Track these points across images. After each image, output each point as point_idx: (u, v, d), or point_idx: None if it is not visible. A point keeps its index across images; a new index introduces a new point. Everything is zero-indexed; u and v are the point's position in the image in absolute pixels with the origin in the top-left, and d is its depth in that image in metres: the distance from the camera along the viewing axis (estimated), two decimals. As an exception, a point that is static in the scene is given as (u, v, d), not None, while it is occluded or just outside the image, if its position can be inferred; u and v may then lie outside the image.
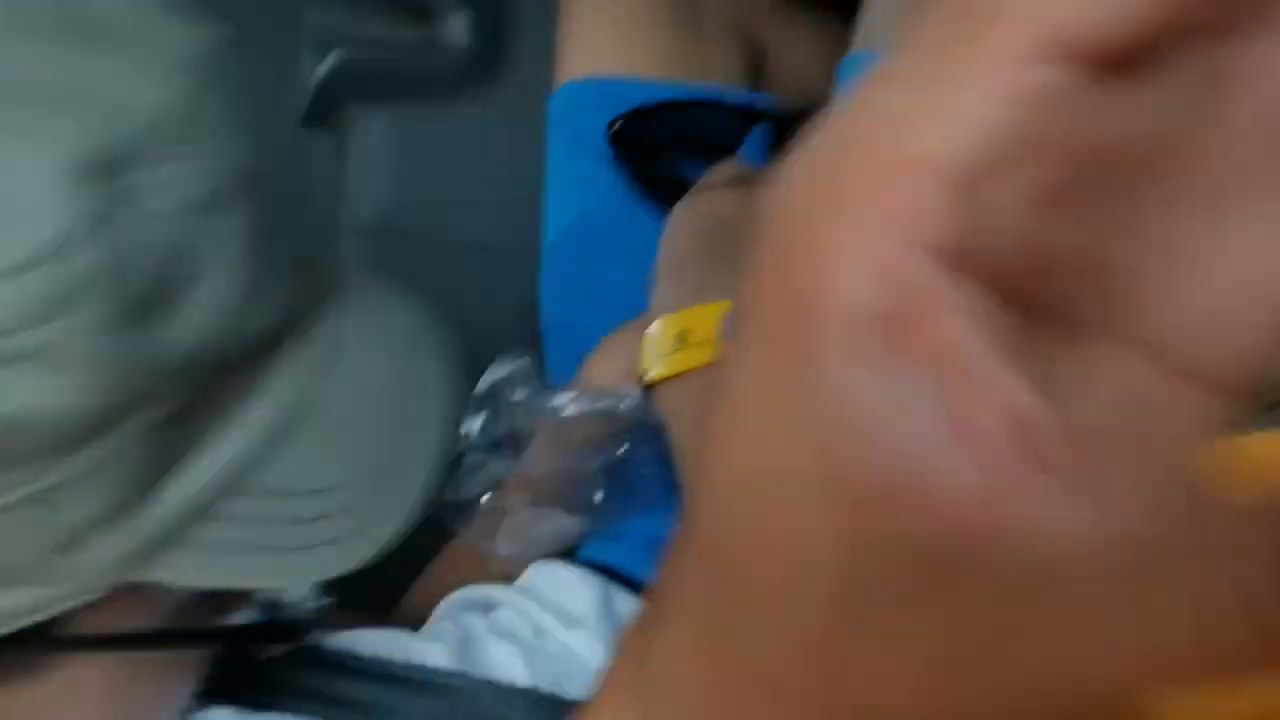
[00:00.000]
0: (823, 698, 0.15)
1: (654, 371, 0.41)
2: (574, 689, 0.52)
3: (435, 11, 0.93)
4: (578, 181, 0.85)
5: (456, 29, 0.93)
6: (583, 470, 0.61)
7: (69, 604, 0.36)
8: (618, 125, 0.79)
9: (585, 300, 0.82)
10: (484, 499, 0.62)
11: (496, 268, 0.97)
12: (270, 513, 0.38)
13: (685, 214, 0.44)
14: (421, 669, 0.50)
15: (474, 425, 0.63)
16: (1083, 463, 0.12)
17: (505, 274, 0.96)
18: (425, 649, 0.52)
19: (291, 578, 0.41)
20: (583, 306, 0.82)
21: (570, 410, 0.58)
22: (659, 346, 0.41)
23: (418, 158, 0.95)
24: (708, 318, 0.39)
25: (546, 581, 0.61)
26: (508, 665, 0.53)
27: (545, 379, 0.67)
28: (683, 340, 0.40)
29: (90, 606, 0.37)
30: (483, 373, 0.67)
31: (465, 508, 0.62)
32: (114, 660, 0.41)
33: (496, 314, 0.96)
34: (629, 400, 0.57)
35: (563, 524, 0.63)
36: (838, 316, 0.13)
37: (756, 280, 0.15)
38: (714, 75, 0.85)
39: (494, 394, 0.65)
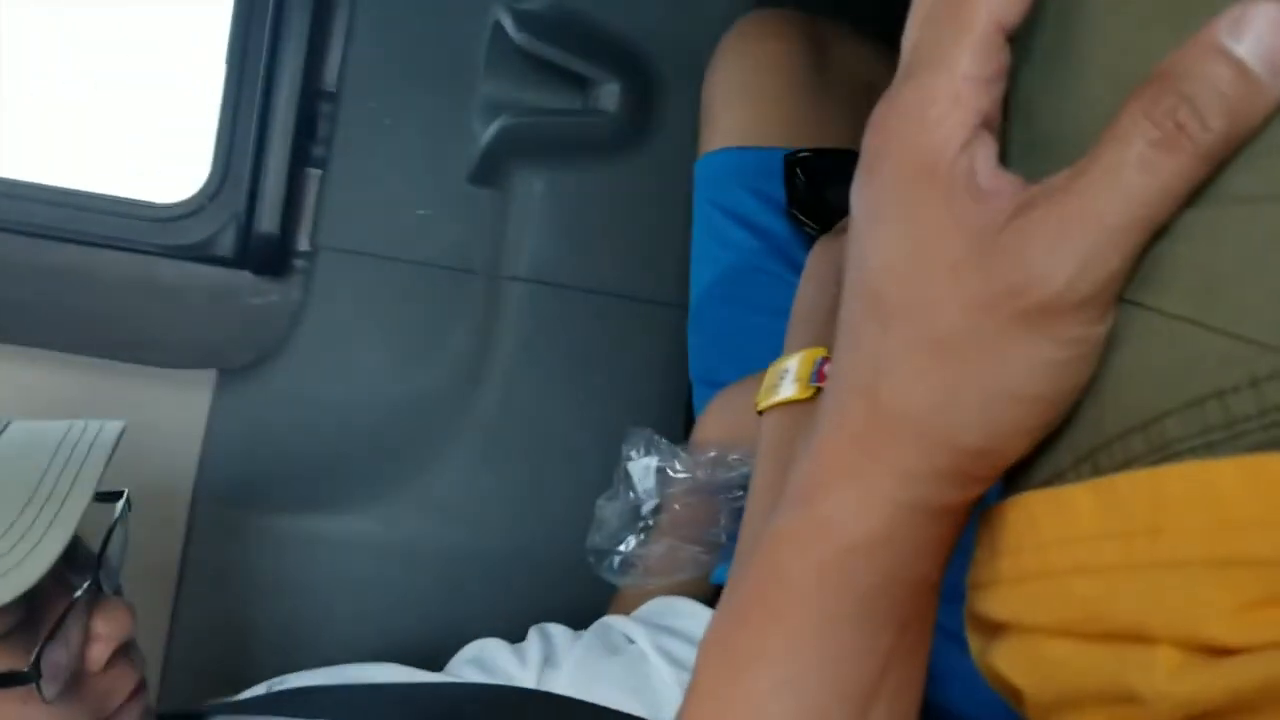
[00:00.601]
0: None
1: (761, 404, 0.46)
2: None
3: (590, 83, 1.01)
4: (721, 242, 0.90)
5: (608, 98, 1.00)
6: (710, 514, 0.68)
7: None
8: (801, 154, 0.81)
9: (729, 356, 0.87)
10: (626, 547, 0.70)
11: (644, 320, 1.03)
12: None
13: (818, 258, 0.48)
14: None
15: (615, 491, 0.71)
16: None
17: (652, 326, 1.02)
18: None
19: None
20: (727, 363, 0.86)
21: (684, 476, 0.66)
22: (767, 380, 0.46)
23: (571, 215, 1.02)
24: (809, 360, 0.44)
25: (661, 606, 0.71)
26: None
27: (669, 444, 0.73)
28: (785, 376, 0.44)
29: None
30: (627, 431, 0.74)
31: (612, 556, 0.71)
32: None
33: (642, 364, 1.03)
34: (735, 458, 0.65)
35: (696, 559, 0.70)
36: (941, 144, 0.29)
37: (882, 126, 0.30)
38: (844, 138, 0.89)
39: (629, 460, 0.72)
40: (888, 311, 0.30)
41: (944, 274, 0.29)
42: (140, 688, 0.62)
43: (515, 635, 0.80)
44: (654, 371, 1.03)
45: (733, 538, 0.69)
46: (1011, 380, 0.29)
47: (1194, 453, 0.27)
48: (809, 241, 0.76)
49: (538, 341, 1.02)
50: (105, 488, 0.65)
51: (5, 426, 0.61)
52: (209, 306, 1.05)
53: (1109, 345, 0.29)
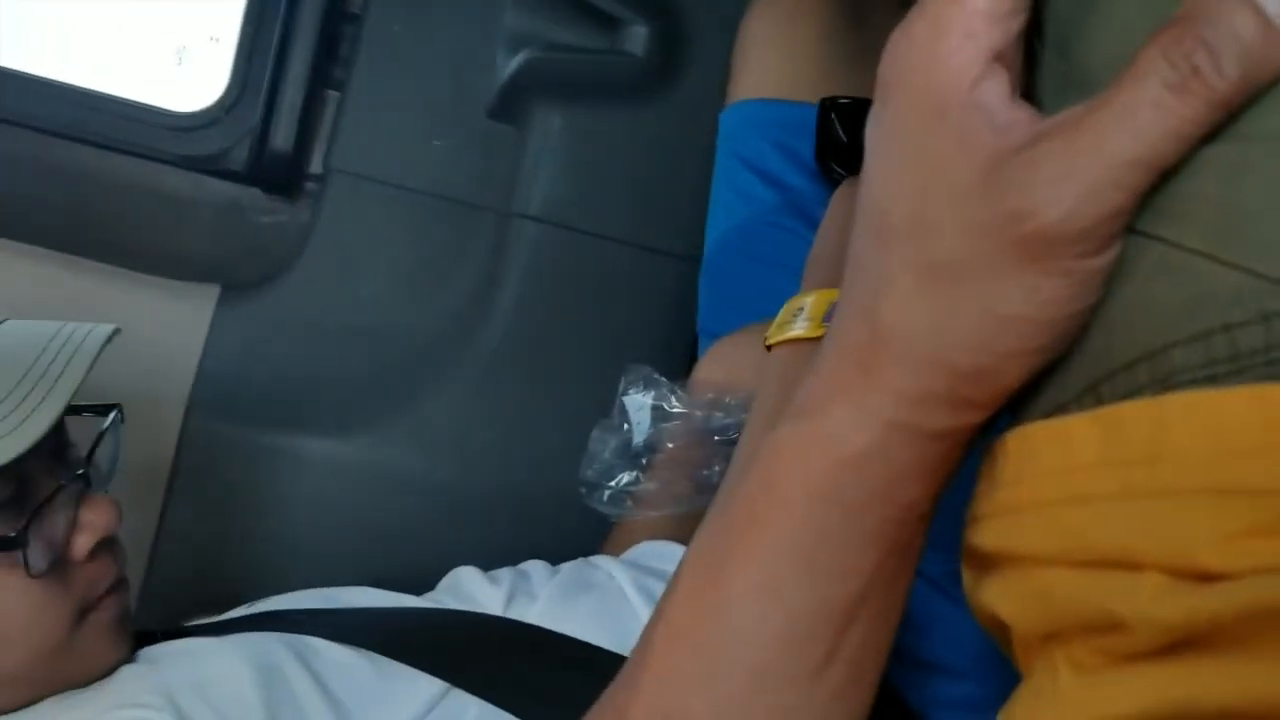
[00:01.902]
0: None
1: (770, 338, 0.46)
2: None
3: (618, 23, 0.99)
4: (740, 195, 0.89)
5: (636, 41, 0.99)
6: (704, 455, 0.68)
7: None
8: (840, 100, 0.80)
9: (738, 310, 0.86)
10: (619, 481, 0.70)
11: (654, 271, 1.02)
12: None
13: (841, 200, 0.48)
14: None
15: (610, 424, 0.71)
16: None
17: (661, 276, 1.02)
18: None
19: None
20: (736, 317, 0.85)
21: (679, 413, 0.66)
22: (781, 317, 0.46)
23: (589, 157, 1.01)
24: (825, 300, 0.43)
25: (649, 550, 0.73)
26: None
27: (667, 382, 0.73)
28: (799, 315, 0.44)
29: None
30: (626, 367, 0.74)
31: (602, 489, 0.70)
32: None
33: (649, 315, 1.02)
34: (732, 401, 0.65)
35: (687, 496, 0.70)
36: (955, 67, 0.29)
37: (895, 58, 0.31)
38: (877, 99, 0.88)
39: (625, 395, 0.72)
40: (891, 234, 0.31)
41: (948, 198, 0.29)
42: (121, 584, 0.63)
43: (500, 567, 0.80)
44: (660, 323, 1.02)
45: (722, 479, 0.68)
46: (1006, 305, 0.29)
47: (1196, 384, 0.26)
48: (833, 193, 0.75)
49: (544, 284, 1.01)
50: (101, 400, 0.67)
51: (1, 321, 0.62)
52: (217, 221, 1.04)
53: (1118, 276, 0.29)
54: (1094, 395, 0.29)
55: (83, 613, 0.60)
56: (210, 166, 1.01)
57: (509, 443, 0.99)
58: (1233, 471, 0.25)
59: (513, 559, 0.82)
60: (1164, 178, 0.28)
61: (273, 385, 0.98)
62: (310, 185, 1.06)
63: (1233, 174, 0.27)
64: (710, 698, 0.33)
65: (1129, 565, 0.26)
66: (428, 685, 0.62)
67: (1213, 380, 0.26)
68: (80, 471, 0.61)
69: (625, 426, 0.69)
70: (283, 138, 1.01)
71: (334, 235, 1.02)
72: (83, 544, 0.60)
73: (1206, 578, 0.24)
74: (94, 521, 0.60)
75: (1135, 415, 0.27)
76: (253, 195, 1.05)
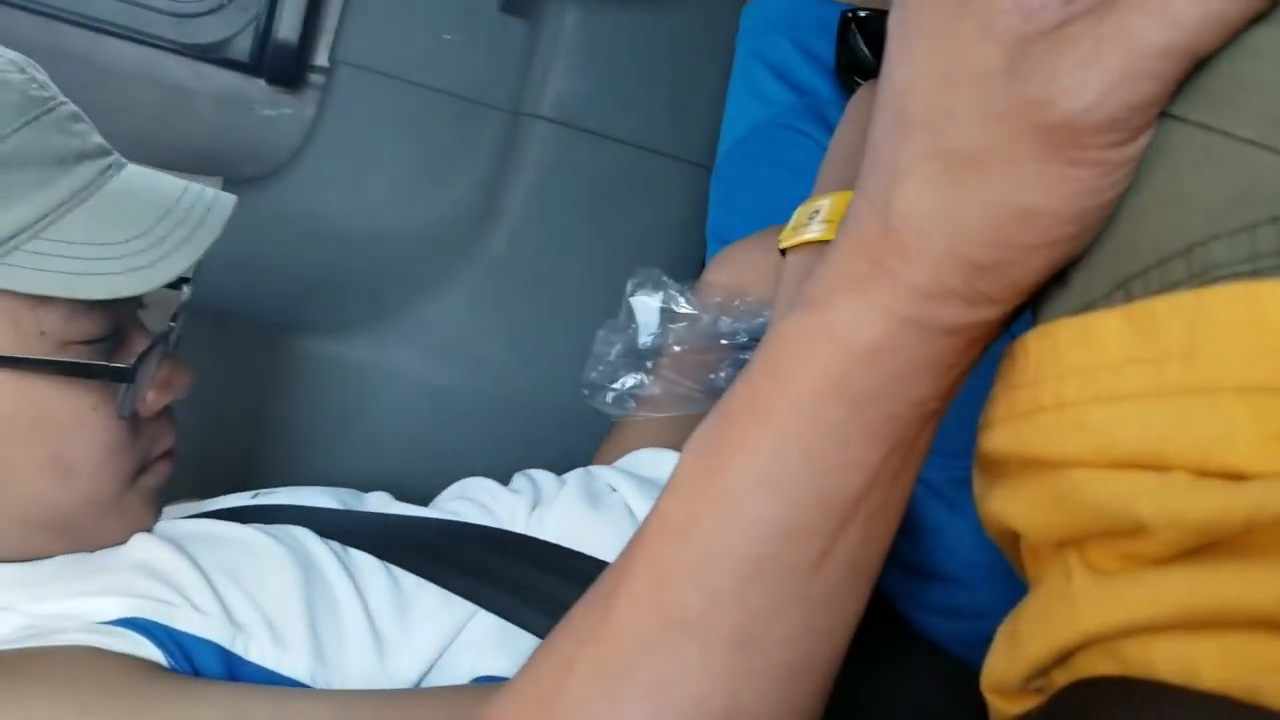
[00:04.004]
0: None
1: (784, 241, 0.44)
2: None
3: (640, -86, 0.96)
4: (757, 96, 0.87)
5: (656, -68, 0.95)
6: (710, 359, 0.67)
7: None
8: (860, 13, 0.78)
9: (748, 215, 0.85)
10: (623, 383, 0.69)
11: (666, 175, 1.00)
12: (72, 251, 0.54)
13: (860, 101, 0.46)
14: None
15: (616, 325, 0.70)
16: None
17: (674, 182, 0.99)
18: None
19: (94, 293, 0.54)
20: (745, 221, 0.84)
21: (687, 313, 0.65)
22: (795, 219, 0.44)
23: (602, 56, 0.98)
24: (842, 202, 0.42)
25: (646, 458, 0.72)
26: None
27: (676, 284, 0.72)
28: (815, 217, 0.43)
29: None
30: (634, 269, 0.73)
31: (608, 391, 0.69)
32: (10, 380, 0.55)
33: (659, 220, 1.00)
34: (740, 304, 0.64)
35: (692, 397, 0.69)
36: None
37: None
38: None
39: (633, 296, 0.70)
40: (910, 124, 0.30)
41: (970, 85, 0.28)
42: (173, 450, 0.64)
43: (500, 477, 0.79)
44: (670, 229, 1.00)
45: (730, 384, 0.67)
46: (1024, 195, 0.28)
47: (1238, 278, 0.25)
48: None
49: (553, 185, 0.99)
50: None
51: (124, 165, 0.62)
52: (219, 112, 1.02)
53: (1153, 166, 0.27)
54: (1124, 291, 0.27)
55: (138, 472, 0.61)
56: (212, 55, 0.98)
57: (513, 347, 0.98)
58: (1274, 368, 0.23)
59: (515, 463, 0.82)
60: (1208, 61, 0.26)
61: (272, 281, 0.97)
62: (315, 78, 1.03)
63: None
64: (703, 589, 0.32)
65: (1155, 466, 0.25)
66: (457, 607, 0.61)
67: (1256, 274, 0.24)
68: (170, 329, 0.63)
69: (631, 328, 0.68)
70: (287, 27, 0.98)
71: (338, 130, 1.00)
72: (156, 400, 0.61)
73: (1239, 479, 0.23)
74: (172, 381, 0.62)
75: (1170, 310, 0.25)
76: (256, 87, 1.02)
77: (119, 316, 0.59)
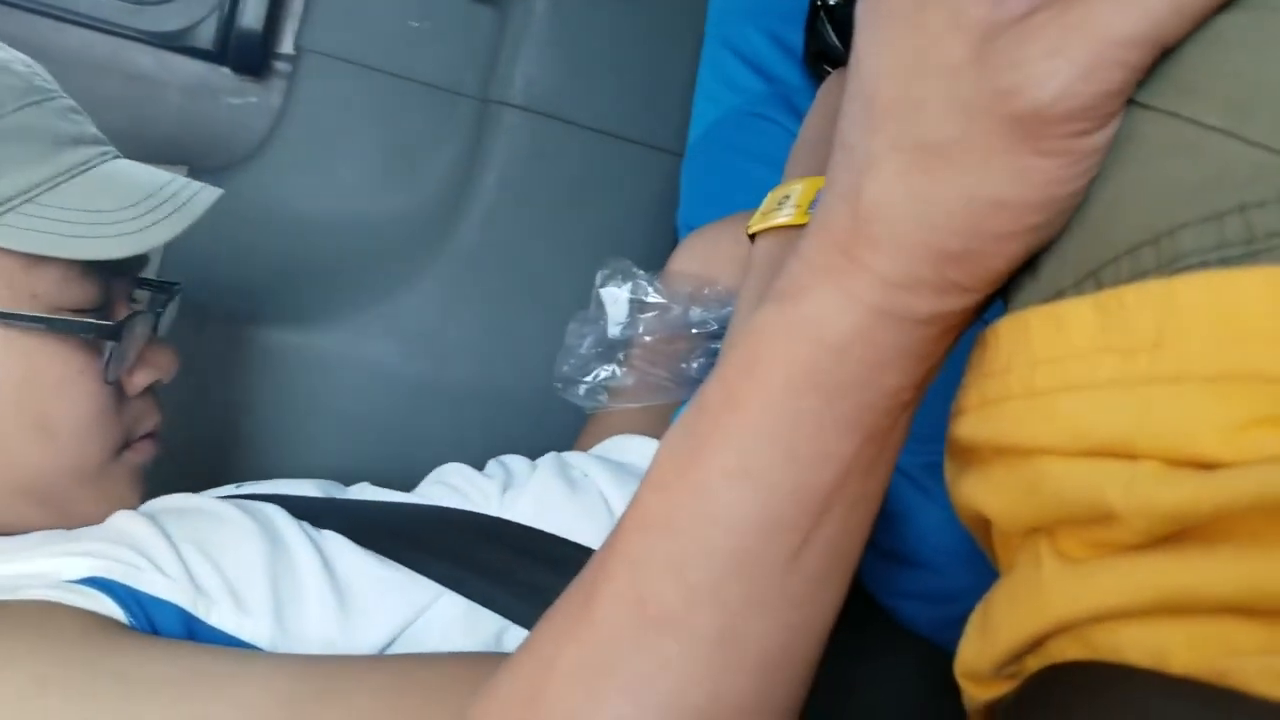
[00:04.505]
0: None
1: (754, 226, 0.44)
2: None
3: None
4: (726, 84, 0.86)
5: (625, -81, 0.95)
6: (681, 348, 0.67)
7: None
8: (829, 1, 0.76)
9: (718, 203, 0.84)
10: (596, 376, 0.69)
11: (637, 163, 0.99)
12: (64, 216, 0.56)
13: (830, 89, 0.46)
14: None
15: (587, 317, 0.70)
16: None
17: (645, 170, 0.99)
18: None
19: (85, 254, 0.56)
20: (715, 210, 0.83)
21: (656, 302, 0.65)
22: (765, 205, 0.44)
23: (572, 42, 0.97)
24: (812, 188, 0.42)
25: (617, 444, 0.73)
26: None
27: (645, 274, 0.72)
28: (785, 202, 0.43)
29: None
30: (604, 260, 0.73)
31: (581, 384, 0.69)
32: (1, 337, 0.56)
33: (631, 207, 1.00)
34: (710, 293, 0.64)
35: (663, 386, 0.69)
36: None
37: None
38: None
39: (602, 288, 0.70)
40: (879, 114, 0.30)
41: (937, 75, 0.28)
42: (157, 431, 0.66)
43: (475, 465, 0.78)
44: (641, 216, 1.00)
45: (702, 373, 0.67)
46: (993, 185, 0.28)
47: (1205, 267, 0.25)
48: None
49: (524, 173, 0.98)
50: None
51: (118, 156, 0.65)
52: (183, 101, 1.00)
53: (1122, 155, 0.28)
54: (1094, 280, 0.28)
55: (121, 448, 0.62)
56: (176, 43, 0.97)
57: (485, 336, 0.98)
58: (1241, 357, 0.23)
59: (489, 453, 0.81)
60: (1175, 50, 0.26)
61: (239, 273, 0.96)
62: (281, 66, 1.02)
63: (1255, 46, 0.25)
64: (682, 582, 0.32)
65: (1125, 454, 0.25)
66: (425, 588, 0.61)
67: (1224, 263, 0.25)
68: (158, 311, 0.65)
69: (602, 320, 0.67)
70: (252, 14, 0.97)
71: (305, 119, 0.99)
72: (142, 378, 0.63)
73: (1208, 467, 0.23)
74: (158, 361, 0.64)
75: (1139, 299, 0.26)
76: (221, 75, 1.01)
77: (111, 291, 0.61)
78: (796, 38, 0.82)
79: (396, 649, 0.60)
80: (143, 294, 0.68)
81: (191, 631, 0.55)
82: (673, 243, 0.96)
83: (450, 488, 0.72)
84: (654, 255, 0.98)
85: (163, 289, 0.68)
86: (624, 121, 0.99)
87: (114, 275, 0.62)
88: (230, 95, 1.02)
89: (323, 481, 0.73)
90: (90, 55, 0.97)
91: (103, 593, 0.53)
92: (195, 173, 0.96)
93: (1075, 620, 0.26)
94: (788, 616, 0.33)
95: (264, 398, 0.95)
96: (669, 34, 0.97)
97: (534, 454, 0.78)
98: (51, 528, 0.60)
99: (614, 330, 0.67)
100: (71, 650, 0.49)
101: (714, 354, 0.66)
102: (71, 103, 0.62)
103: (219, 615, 0.56)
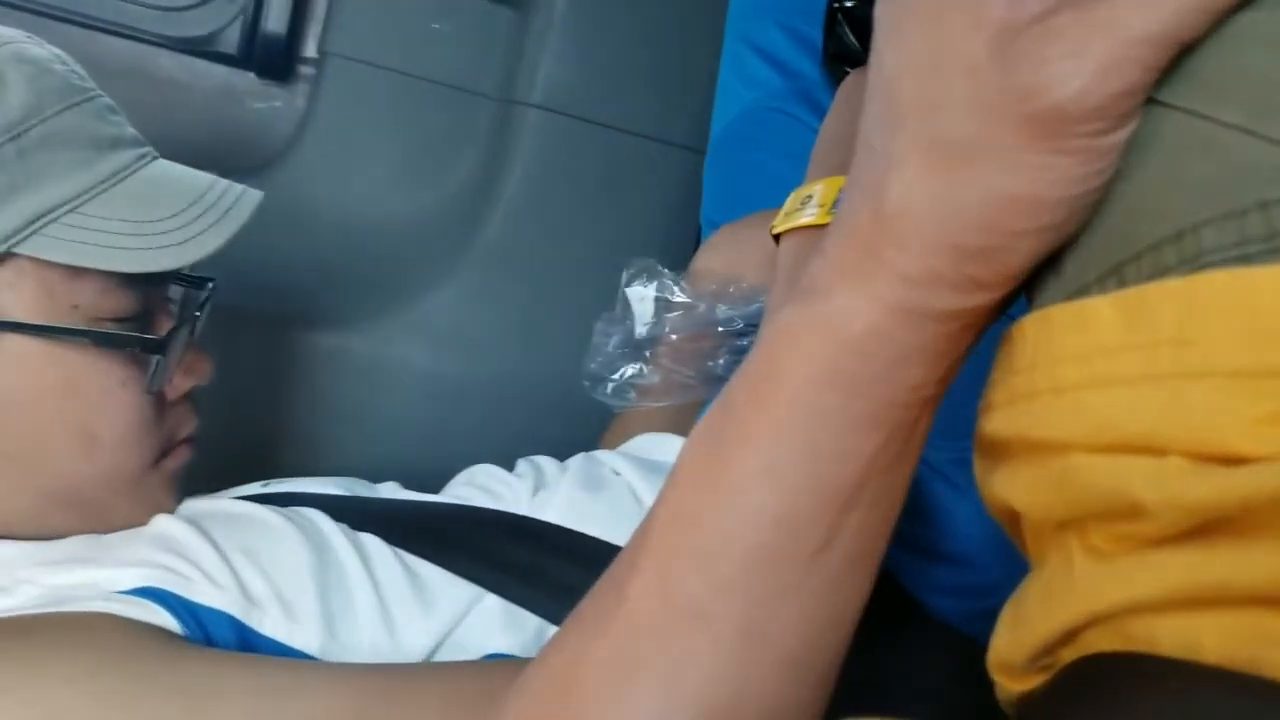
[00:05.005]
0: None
1: (777, 227, 0.45)
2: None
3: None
4: (746, 81, 0.87)
5: (643, -83, 0.95)
6: (707, 347, 0.68)
7: None
8: (846, 2, 0.76)
9: (741, 200, 0.84)
10: (623, 374, 0.69)
11: (660, 161, 1.00)
12: (107, 226, 0.56)
13: (851, 87, 0.47)
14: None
15: (613, 316, 0.70)
16: None
17: (667, 167, 0.99)
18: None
19: (131, 266, 0.57)
20: (739, 206, 0.84)
21: (682, 301, 0.65)
22: (788, 205, 0.45)
23: (593, 42, 0.98)
24: (834, 187, 0.43)
25: (647, 442, 0.74)
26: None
27: (670, 273, 0.72)
28: (808, 202, 0.43)
29: (1, 289, 0.55)
30: (628, 259, 0.73)
31: (608, 382, 0.70)
32: (45, 349, 0.56)
33: (654, 205, 1.00)
34: (735, 291, 0.65)
35: (689, 385, 0.69)
36: None
37: None
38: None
39: (628, 287, 0.71)
40: (900, 114, 0.30)
41: (958, 74, 0.28)
42: (192, 439, 0.66)
43: (503, 463, 0.79)
44: (665, 214, 1.01)
45: (728, 371, 0.68)
46: (1013, 183, 0.28)
47: (1227, 264, 0.25)
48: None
49: (547, 173, 0.99)
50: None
51: (157, 157, 0.65)
52: (209, 106, 1.01)
53: (1142, 153, 0.28)
54: (1117, 277, 0.28)
55: (160, 454, 0.63)
56: (201, 49, 0.98)
57: (512, 335, 0.99)
58: (1265, 353, 0.24)
59: (516, 450, 0.82)
60: (1194, 47, 0.26)
61: (267, 275, 0.97)
62: (305, 69, 1.03)
63: (1275, 44, 0.26)
64: (708, 578, 0.33)
65: (1152, 450, 0.25)
66: (464, 590, 0.62)
67: (1245, 260, 0.25)
68: (197, 316, 0.65)
69: (628, 319, 0.68)
70: (275, 19, 0.98)
71: (330, 122, 1.00)
72: (182, 384, 0.64)
73: (1235, 462, 0.24)
74: (195, 367, 0.64)
75: (1161, 296, 0.26)
76: (246, 80, 1.02)
77: (149, 298, 0.62)
78: (816, 32, 0.82)
79: (442, 653, 0.60)
80: (178, 292, 0.69)
81: (244, 641, 0.56)
82: (696, 239, 0.97)
83: (481, 489, 0.72)
84: (677, 252, 0.98)
85: (198, 285, 0.69)
86: (645, 119, 1.00)
87: (153, 281, 0.62)
88: (255, 99, 1.03)
89: (349, 480, 0.74)
90: (116, 61, 0.98)
91: (155, 603, 0.54)
92: (223, 177, 0.98)
93: (1108, 613, 0.26)
94: (813, 610, 0.33)
95: (290, 398, 0.96)
96: (689, 32, 0.98)
97: (561, 450, 0.79)
98: (89, 532, 0.61)
99: (640, 329, 0.68)
100: (131, 665, 0.49)
101: (740, 352, 0.67)
102: (109, 101, 0.62)
103: (271, 624, 0.56)
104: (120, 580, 0.55)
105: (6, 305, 0.56)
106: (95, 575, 0.56)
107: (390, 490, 0.73)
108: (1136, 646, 0.26)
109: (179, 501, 0.65)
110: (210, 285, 0.68)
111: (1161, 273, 0.27)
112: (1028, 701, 0.31)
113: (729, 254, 0.73)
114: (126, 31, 0.96)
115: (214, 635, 0.55)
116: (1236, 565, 0.24)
